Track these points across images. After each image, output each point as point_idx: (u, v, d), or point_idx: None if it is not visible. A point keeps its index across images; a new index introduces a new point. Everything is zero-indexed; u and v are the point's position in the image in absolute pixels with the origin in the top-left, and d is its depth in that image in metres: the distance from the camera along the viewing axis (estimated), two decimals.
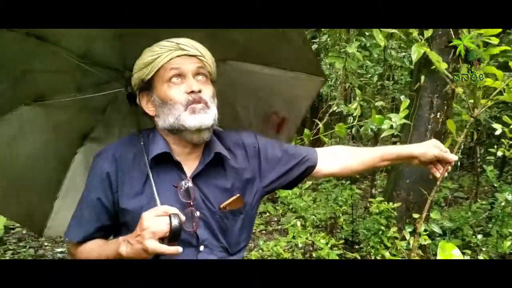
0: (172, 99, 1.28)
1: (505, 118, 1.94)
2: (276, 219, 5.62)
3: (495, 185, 3.93)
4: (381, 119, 2.59)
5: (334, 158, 1.55)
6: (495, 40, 1.56)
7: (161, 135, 1.35)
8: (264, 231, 5.24)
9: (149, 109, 1.35)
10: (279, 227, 5.23)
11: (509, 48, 1.55)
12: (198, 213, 1.28)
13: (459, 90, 1.70)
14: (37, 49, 1.35)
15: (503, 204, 3.65)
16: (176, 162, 1.31)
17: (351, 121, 3.31)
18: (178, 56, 1.29)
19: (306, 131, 2.86)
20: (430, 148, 1.51)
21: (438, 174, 1.54)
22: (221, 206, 1.33)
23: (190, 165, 1.34)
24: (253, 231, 5.17)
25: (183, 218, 1.16)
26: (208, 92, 1.32)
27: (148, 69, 1.31)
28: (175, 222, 1.12)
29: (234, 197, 1.35)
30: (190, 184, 1.29)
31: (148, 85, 1.33)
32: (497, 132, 2.04)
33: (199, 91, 1.28)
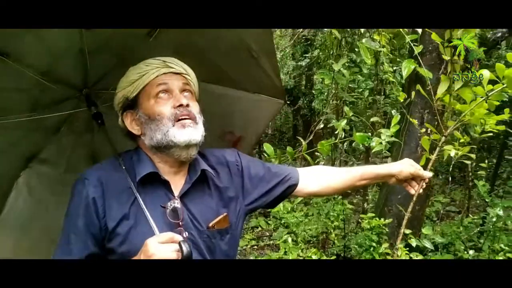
0: (159, 114, 1.26)
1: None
2: (268, 234, 5.58)
3: (487, 200, 3.92)
4: (363, 137, 2.60)
5: (315, 178, 1.56)
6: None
7: (147, 154, 1.32)
8: (255, 246, 5.19)
9: (134, 128, 1.33)
10: (271, 242, 5.18)
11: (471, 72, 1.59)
12: (186, 234, 1.26)
13: (445, 102, 1.72)
14: None
15: (494, 219, 3.63)
16: (164, 181, 1.28)
17: (342, 135, 3.30)
18: (164, 73, 1.29)
19: (289, 149, 2.87)
20: (406, 166, 1.55)
21: (413, 191, 1.59)
22: (210, 225, 1.31)
23: (177, 184, 1.32)
24: (245, 246, 5.13)
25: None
26: (196, 107, 1.32)
27: (133, 86, 1.29)
28: (186, 249, 1.09)
29: (221, 216, 1.33)
30: (178, 204, 1.26)
31: (133, 103, 1.31)
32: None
33: (187, 105, 1.27)
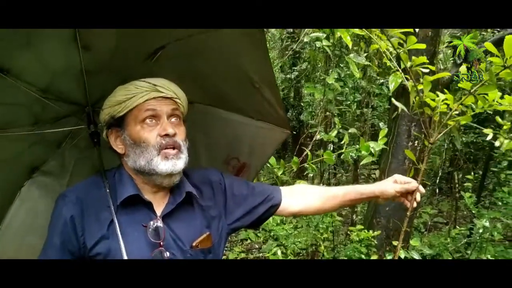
0: (145, 141, 1.25)
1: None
2: (257, 246, 5.55)
3: (473, 211, 3.97)
4: (367, 146, 2.65)
5: (298, 197, 1.55)
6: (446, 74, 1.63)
7: (129, 174, 1.31)
8: (245, 259, 5.16)
9: (118, 146, 1.31)
10: (261, 254, 5.16)
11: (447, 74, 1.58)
12: (167, 254, 1.25)
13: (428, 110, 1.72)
14: None
15: (481, 230, 3.68)
16: (146, 202, 1.28)
17: (331, 148, 3.34)
18: (154, 97, 1.27)
19: (295, 158, 2.88)
20: (390, 185, 1.50)
21: (407, 203, 1.54)
22: (193, 244, 1.30)
23: (159, 204, 1.31)
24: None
25: None
26: (182, 134, 1.31)
27: (121, 107, 1.27)
28: None
29: (205, 235, 1.33)
30: (159, 223, 1.26)
31: (118, 122, 1.30)
32: (488, 138, 2.06)
33: (174, 135, 1.27)
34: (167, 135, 1.25)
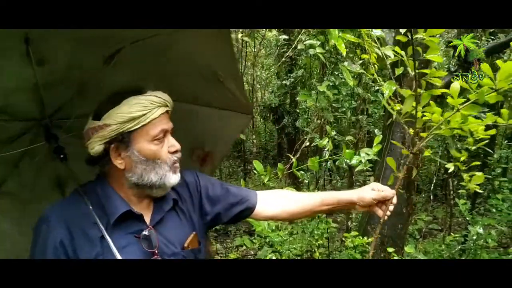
0: (160, 158, 1.24)
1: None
2: (252, 252, 5.54)
3: (467, 218, 3.99)
4: (351, 154, 2.65)
5: (274, 202, 1.56)
6: (438, 82, 1.61)
7: (113, 188, 1.27)
8: None
9: (118, 162, 1.24)
10: None
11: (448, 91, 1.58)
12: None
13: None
14: None
15: (475, 237, 3.69)
16: (138, 215, 1.27)
17: (325, 154, 3.34)
18: (162, 112, 1.25)
19: (280, 165, 2.89)
20: (367, 192, 1.49)
21: (380, 212, 1.51)
22: (185, 245, 1.33)
23: (146, 212, 1.31)
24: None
25: None
26: None
27: (134, 122, 1.20)
28: None
29: (192, 235, 1.37)
30: (152, 232, 1.27)
31: (123, 138, 1.22)
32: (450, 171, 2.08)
33: (180, 149, 1.30)
34: (176, 151, 1.28)
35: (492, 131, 1.67)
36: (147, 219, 1.30)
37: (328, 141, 2.96)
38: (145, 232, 1.25)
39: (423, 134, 1.66)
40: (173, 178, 1.28)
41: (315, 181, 5.56)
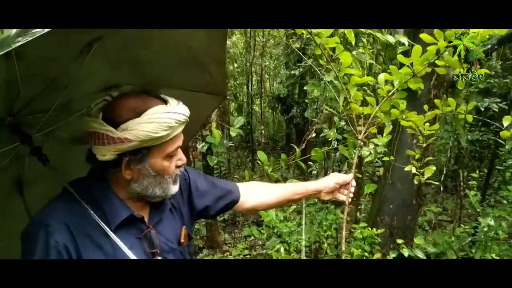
0: (168, 173, 1.23)
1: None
2: (260, 243, 5.56)
3: (478, 210, 3.95)
4: (355, 143, 2.67)
5: (253, 194, 1.66)
6: (443, 71, 1.74)
7: (114, 191, 1.23)
8: (248, 256, 5.17)
9: (126, 173, 1.19)
10: (264, 251, 5.16)
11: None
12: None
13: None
14: None
15: (485, 229, 3.65)
16: (139, 218, 1.26)
17: (335, 144, 3.32)
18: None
19: (283, 156, 2.89)
20: (330, 179, 1.68)
21: (342, 197, 1.70)
22: (181, 241, 1.36)
23: (143, 213, 1.30)
24: (237, 256, 5.11)
25: None
26: None
27: (157, 141, 1.15)
28: None
29: (184, 230, 1.39)
30: (153, 233, 1.28)
31: (141, 154, 1.17)
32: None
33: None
34: (182, 165, 1.29)
35: (435, 126, 2.02)
36: (146, 219, 1.30)
37: (334, 132, 2.94)
38: (146, 233, 1.26)
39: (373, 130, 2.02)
40: (174, 189, 1.28)
41: (324, 172, 5.54)
